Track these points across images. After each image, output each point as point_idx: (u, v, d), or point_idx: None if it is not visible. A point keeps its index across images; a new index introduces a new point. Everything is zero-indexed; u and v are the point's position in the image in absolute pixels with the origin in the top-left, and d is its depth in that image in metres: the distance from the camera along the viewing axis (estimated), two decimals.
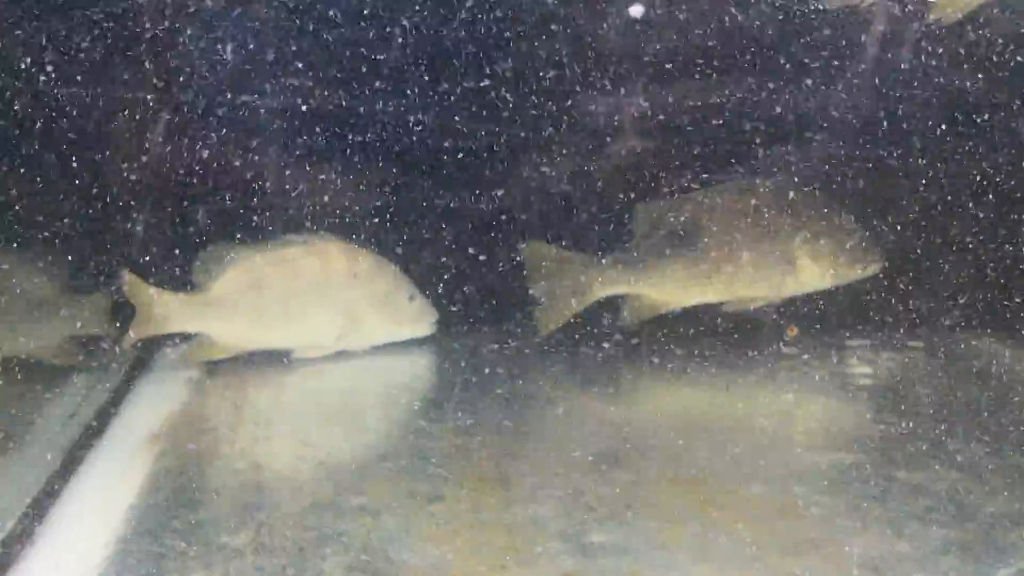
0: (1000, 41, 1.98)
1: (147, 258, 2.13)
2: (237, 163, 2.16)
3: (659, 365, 2.17)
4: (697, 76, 2.14)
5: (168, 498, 1.59)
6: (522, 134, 2.20)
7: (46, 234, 1.98)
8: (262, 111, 2.14)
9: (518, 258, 2.21)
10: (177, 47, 2.07)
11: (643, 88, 2.18)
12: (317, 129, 2.16)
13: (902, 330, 2.31)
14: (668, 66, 2.14)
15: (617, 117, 2.22)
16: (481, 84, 2.14)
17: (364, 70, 2.12)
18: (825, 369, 2.16)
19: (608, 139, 2.24)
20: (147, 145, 2.12)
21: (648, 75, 2.16)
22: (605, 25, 2.14)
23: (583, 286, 2.14)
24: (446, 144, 2.19)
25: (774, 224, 2.13)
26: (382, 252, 2.21)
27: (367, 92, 2.13)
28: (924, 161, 2.16)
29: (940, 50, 2.01)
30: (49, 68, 1.93)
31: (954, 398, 1.99)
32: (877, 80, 2.09)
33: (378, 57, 2.10)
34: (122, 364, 2.12)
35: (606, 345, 2.25)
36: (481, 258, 2.26)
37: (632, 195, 2.23)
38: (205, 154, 2.14)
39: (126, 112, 2.10)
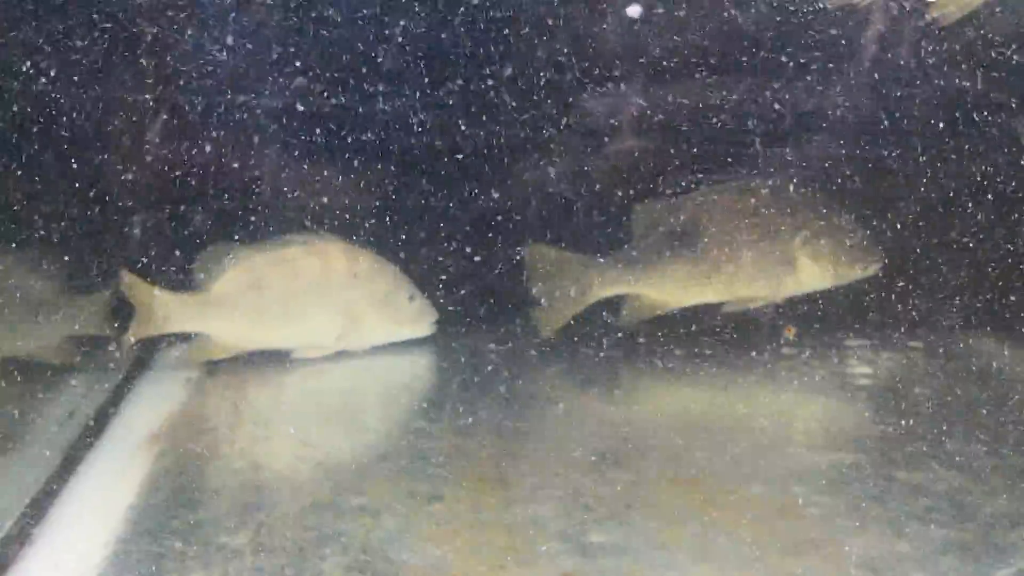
0: (1000, 41, 1.98)
1: (147, 258, 2.13)
2: (237, 163, 2.16)
3: (659, 365, 2.17)
4: (696, 76, 2.14)
5: (167, 498, 1.59)
6: (522, 134, 2.20)
7: (46, 234, 1.98)
8: (263, 111, 2.14)
9: (518, 258, 2.21)
10: (177, 46, 2.07)
11: (642, 88, 2.18)
12: (317, 129, 2.16)
13: (902, 330, 2.31)
14: (667, 66, 2.14)
15: (617, 117, 2.22)
16: (481, 85, 2.14)
17: (364, 70, 2.12)
18: (825, 369, 2.16)
19: (608, 139, 2.24)
20: (147, 145, 2.12)
21: (647, 75, 2.16)
22: (605, 25, 2.14)
23: (583, 286, 2.15)
24: (446, 144, 2.19)
25: (774, 224, 2.13)
26: (382, 252, 2.21)
27: (367, 92, 2.13)
28: (924, 161, 2.16)
29: (940, 50, 2.01)
30: (49, 68, 1.93)
31: (954, 398, 1.99)
32: (876, 80, 2.09)
33: (378, 57, 2.10)
34: (122, 364, 2.12)
35: (606, 345, 2.25)
36: (481, 258, 2.26)
37: (632, 195, 2.23)
38: (205, 154, 2.14)
39: (126, 112, 2.09)
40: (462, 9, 2.07)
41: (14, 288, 1.93)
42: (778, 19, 2.05)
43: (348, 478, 1.66)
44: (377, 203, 2.26)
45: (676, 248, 2.15)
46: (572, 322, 2.19)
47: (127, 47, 2.05)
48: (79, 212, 2.05)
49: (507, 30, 2.11)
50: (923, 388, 2.04)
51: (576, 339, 2.27)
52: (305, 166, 2.21)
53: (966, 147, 2.14)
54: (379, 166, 2.22)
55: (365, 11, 2.07)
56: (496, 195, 2.25)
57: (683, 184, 2.22)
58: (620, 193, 2.25)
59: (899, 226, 2.21)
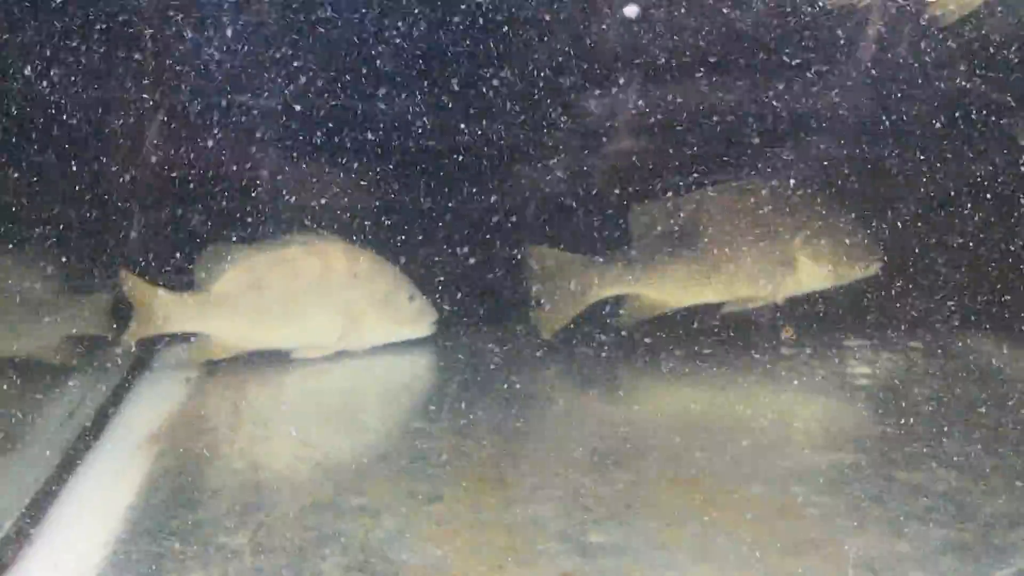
0: (999, 41, 1.98)
1: (147, 258, 2.13)
2: (237, 163, 2.16)
3: (659, 365, 2.17)
4: (695, 76, 2.14)
5: (167, 498, 1.59)
6: (522, 134, 2.21)
7: (45, 234, 1.98)
8: (263, 110, 2.14)
9: (518, 258, 2.21)
10: (177, 46, 2.07)
11: (641, 88, 2.18)
12: (317, 129, 2.16)
13: (902, 330, 2.31)
14: (666, 66, 2.14)
15: (616, 118, 2.22)
16: (481, 85, 2.14)
17: (364, 70, 2.12)
18: (825, 369, 2.16)
19: (607, 140, 2.24)
20: (147, 144, 2.12)
21: (646, 75, 2.16)
22: (604, 26, 2.14)
23: (583, 287, 2.14)
24: (446, 144, 2.19)
25: (774, 224, 2.13)
26: (382, 252, 2.21)
27: (367, 92, 2.13)
28: (923, 161, 2.16)
29: (939, 49, 2.01)
30: (48, 68, 1.93)
31: (953, 398, 1.99)
32: (876, 79, 2.09)
33: (377, 57, 2.10)
34: (122, 364, 2.12)
35: (606, 345, 2.25)
36: (481, 258, 2.26)
37: (631, 196, 2.23)
38: (205, 154, 2.14)
39: (126, 111, 2.09)
40: (462, 9, 2.07)
41: (14, 288, 1.93)
42: (777, 19, 2.05)
43: (348, 478, 1.66)
44: (377, 203, 2.26)
45: (676, 248, 2.15)
46: (572, 322, 2.19)
47: (127, 47, 2.05)
48: (79, 212, 2.05)
49: (507, 30, 2.11)
50: (922, 388, 2.04)
51: (576, 339, 2.27)
52: (305, 166, 2.21)
53: (965, 147, 2.14)
54: (379, 166, 2.22)
55: (364, 11, 2.07)
56: (496, 195, 2.25)
57: (682, 184, 2.22)
58: (620, 193, 2.25)
59: (899, 226, 2.21)
